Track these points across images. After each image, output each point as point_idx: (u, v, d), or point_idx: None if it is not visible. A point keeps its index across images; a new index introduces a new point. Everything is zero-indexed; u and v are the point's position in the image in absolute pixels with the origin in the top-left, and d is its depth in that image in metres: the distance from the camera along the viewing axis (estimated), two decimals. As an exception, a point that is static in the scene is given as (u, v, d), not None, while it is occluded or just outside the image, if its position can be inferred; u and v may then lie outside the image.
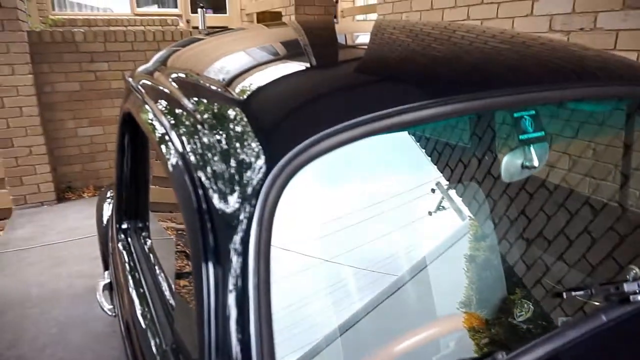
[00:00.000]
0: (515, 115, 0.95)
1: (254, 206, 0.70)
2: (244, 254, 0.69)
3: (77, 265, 3.36)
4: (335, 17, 6.26)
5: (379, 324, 0.90)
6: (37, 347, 2.51)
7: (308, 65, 1.11)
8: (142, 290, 1.25)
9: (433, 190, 1.10)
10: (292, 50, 1.29)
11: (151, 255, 1.41)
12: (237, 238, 0.70)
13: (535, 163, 0.98)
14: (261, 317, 0.67)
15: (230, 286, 0.68)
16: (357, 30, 1.59)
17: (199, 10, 6.98)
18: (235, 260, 0.69)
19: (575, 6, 2.72)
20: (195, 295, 0.72)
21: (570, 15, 2.75)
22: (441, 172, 1.13)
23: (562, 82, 1.00)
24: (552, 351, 0.79)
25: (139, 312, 1.18)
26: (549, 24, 2.90)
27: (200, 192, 0.77)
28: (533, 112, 0.97)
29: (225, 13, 8.71)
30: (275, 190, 0.71)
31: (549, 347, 0.80)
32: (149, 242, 1.49)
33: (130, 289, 1.28)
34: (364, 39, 1.40)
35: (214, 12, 8.52)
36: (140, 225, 1.56)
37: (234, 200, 0.73)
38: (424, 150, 1.12)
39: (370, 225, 0.96)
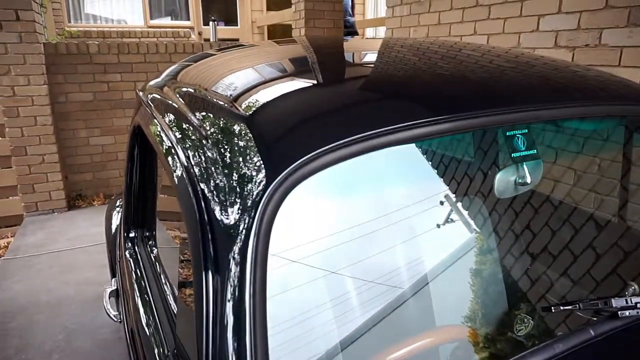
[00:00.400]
0: (508, 133, 0.98)
1: (253, 218, 0.74)
2: (241, 263, 0.72)
3: (86, 273, 3.42)
4: (355, 31, 6.33)
5: (378, 334, 0.92)
6: (44, 352, 2.55)
7: (311, 82, 1.15)
8: (147, 298, 1.29)
9: (442, 203, 1.13)
10: (298, 68, 1.34)
11: (157, 264, 1.45)
12: (235, 248, 0.73)
13: (528, 180, 1.00)
14: (256, 324, 0.71)
15: (228, 294, 0.72)
16: (363, 48, 1.64)
17: (211, 22, 7.11)
18: (233, 269, 0.72)
19: (581, 22, 2.75)
20: (195, 302, 0.76)
21: (576, 32, 2.78)
22: (444, 186, 1.16)
23: (563, 101, 1.03)
24: None
25: (143, 319, 1.22)
26: (554, 39, 2.92)
27: (202, 203, 0.81)
28: (525, 130, 1.00)
29: (237, 25, 8.86)
30: (274, 203, 0.75)
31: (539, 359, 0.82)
32: (155, 250, 1.53)
33: (136, 296, 1.32)
34: (368, 57, 1.44)
35: (226, 25, 8.67)
36: (147, 234, 1.61)
37: (233, 212, 0.76)
38: (426, 164, 1.15)
39: (371, 238, 1.00)
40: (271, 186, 0.75)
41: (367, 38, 7.45)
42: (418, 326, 0.96)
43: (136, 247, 1.58)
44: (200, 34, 8.60)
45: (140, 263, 1.48)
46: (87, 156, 4.93)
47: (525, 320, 0.98)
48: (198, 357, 0.73)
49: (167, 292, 1.24)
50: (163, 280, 1.34)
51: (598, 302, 0.88)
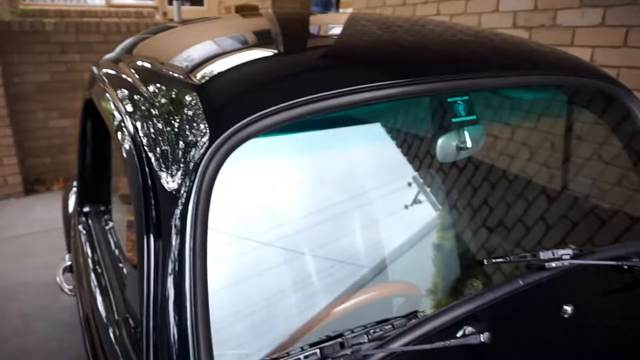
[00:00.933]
0: (449, 100, 1.02)
1: (193, 181, 0.75)
2: (182, 226, 0.73)
3: (43, 257, 3.33)
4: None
5: (322, 295, 0.96)
6: (1, 337, 2.49)
7: (265, 51, 1.16)
8: (99, 269, 1.29)
9: (409, 184, 1.17)
10: (255, 38, 1.34)
11: (111, 237, 1.44)
12: (176, 212, 0.74)
13: (469, 145, 1.05)
14: (197, 288, 0.72)
15: (170, 255, 0.73)
16: (323, 21, 1.64)
17: (175, 2, 6.92)
18: (174, 232, 0.74)
19: (537, 3, 2.83)
20: (137, 266, 0.77)
21: (532, 12, 2.86)
22: (391, 151, 1.19)
23: (504, 69, 1.07)
24: (472, 310, 0.86)
25: (95, 289, 1.22)
26: (513, 20, 3.00)
27: (147, 169, 0.81)
28: (466, 97, 1.04)
29: (203, 5, 8.65)
30: (214, 165, 0.76)
31: (469, 307, 0.87)
32: (110, 224, 1.52)
33: (89, 268, 1.31)
34: (323, 28, 1.45)
35: (192, 5, 8.44)
36: (102, 208, 1.59)
37: (175, 176, 0.77)
38: (372, 130, 1.18)
39: (315, 200, 1.02)
40: (211, 148, 0.76)
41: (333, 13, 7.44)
42: (362, 282, 0.99)
43: (90, 222, 1.56)
44: (165, 14, 8.36)
45: (94, 237, 1.47)
46: (46, 139, 4.76)
47: (466, 273, 1.03)
48: (141, 320, 0.74)
49: (120, 262, 1.24)
50: (117, 253, 1.33)
51: (527, 255, 0.94)
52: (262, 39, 1.31)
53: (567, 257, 0.97)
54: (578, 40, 2.66)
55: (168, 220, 0.74)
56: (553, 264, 0.94)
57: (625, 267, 1.02)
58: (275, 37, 1.29)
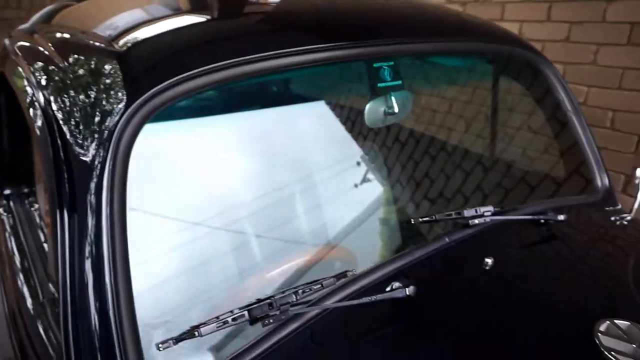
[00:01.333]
0: (375, 65, 1.03)
1: (107, 150, 0.72)
2: (97, 198, 0.70)
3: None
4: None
5: (252, 260, 0.96)
6: None
7: (191, 16, 1.13)
8: (23, 251, 1.22)
9: (372, 180, 1.18)
10: (183, 3, 1.30)
11: (37, 218, 1.37)
12: (91, 185, 0.71)
13: (396, 110, 1.07)
14: (117, 263, 0.69)
15: (86, 234, 0.70)
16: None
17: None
18: (89, 207, 0.70)
19: (470, -22, 2.92)
20: (51, 245, 0.73)
21: (466, -12, 2.95)
22: (319, 115, 1.20)
23: (430, 35, 1.10)
24: (400, 267, 0.90)
25: (19, 271, 1.16)
26: (448, -6, 3.08)
27: (59, 142, 0.77)
28: (392, 62, 1.06)
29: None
30: (130, 131, 0.73)
31: (397, 265, 0.90)
32: (35, 205, 1.45)
33: (11, 251, 1.24)
34: None
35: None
36: (25, 190, 1.50)
37: (89, 147, 0.74)
38: (300, 95, 1.18)
39: (241, 164, 1.01)
40: (127, 113, 0.74)
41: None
42: (295, 249, 1.01)
43: (12, 205, 1.48)
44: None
45: (17, 219, 1.39)
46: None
47: (398, 235, 1.07)
48: (59, 299, 0.71)
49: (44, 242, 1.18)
50: (43, 237, 1.27)
51: (452, 213, 0.99)
52: (188, 4, 1.27)
53: (489, 213, 1.02)
54: (508, 15, 2.78)
55: (83, 194, 0.71)
56: (476, 221, 0.99)
57: (542, 221, 1.10)
58: (200, 3, 1.25)
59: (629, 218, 1.23)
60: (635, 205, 1.26)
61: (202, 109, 0.94)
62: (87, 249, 0.70)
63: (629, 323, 0.80)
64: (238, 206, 0.96)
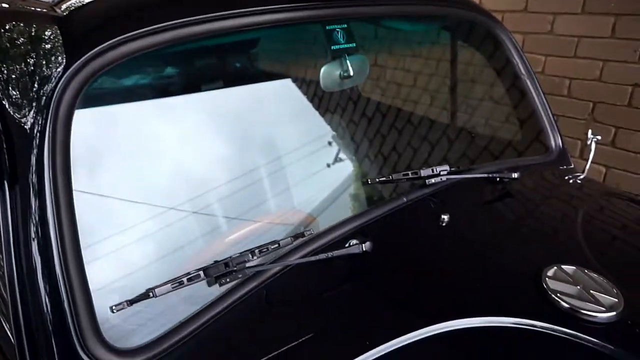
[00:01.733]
0: (328, 27, 1.03)
1: (47, 116, 0.69)
2: (38, 167, 0.68)
3: None
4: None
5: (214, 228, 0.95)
6: None
7: None
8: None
9: (330, 143, 1.17)
10: None
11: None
12: (31, 154, 0.69)
13: (351, 73, 1.08)
14: (64, 237, 0.67)
15: (30, 205, 0.68)
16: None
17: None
18: (32, 176, 0.68)
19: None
20: None
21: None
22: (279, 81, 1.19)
23: None
24: (358, 226, 0.91)
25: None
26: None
27: None
28: (345, 25, 1.06)
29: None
30: (70, 94, 0.71)
31: (355, 224, 0.92)
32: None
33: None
34: None
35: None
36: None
37: (28, 114, 0.71)
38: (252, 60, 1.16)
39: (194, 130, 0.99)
40: (65, 75, 0.71)
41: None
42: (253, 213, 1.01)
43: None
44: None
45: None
46: None
47: (359, 194, 1.08)
48: (8, 295, 0.69)
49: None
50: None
51: (409, 172, 1.00)
52: None
53: (445, 172, 1.05)
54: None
55: (24, 166, 0.68)
56: (433, 180, 1.01)
57: (497, 179, 1.13)
58: None
59: (582, 177, 1.28)
60: (588, 165, 1.31)
61: (151, 74, 0.92)
62: (32, 221, 0.68)
63: (574, 267, 0.84)
64: (194, 171, 0.95)
